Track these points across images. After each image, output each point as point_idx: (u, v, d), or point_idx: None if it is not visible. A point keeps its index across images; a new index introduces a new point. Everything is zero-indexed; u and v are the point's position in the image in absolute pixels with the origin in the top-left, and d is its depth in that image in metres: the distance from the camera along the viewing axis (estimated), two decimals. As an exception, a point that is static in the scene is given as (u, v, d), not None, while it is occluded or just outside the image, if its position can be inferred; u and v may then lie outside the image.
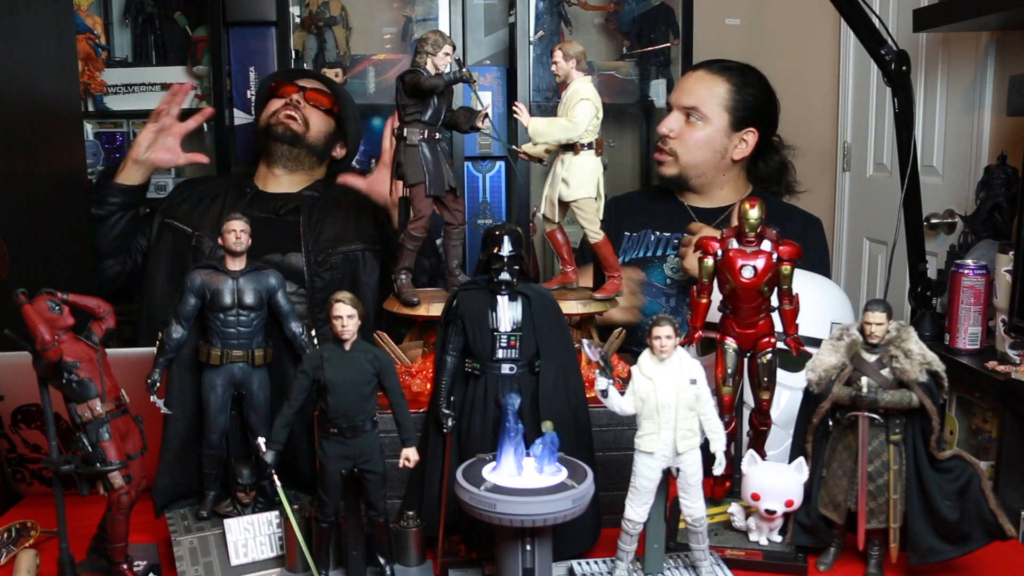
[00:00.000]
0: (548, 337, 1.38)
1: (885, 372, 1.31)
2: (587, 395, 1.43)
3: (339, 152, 2.51)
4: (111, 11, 3.15)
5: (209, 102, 3.01)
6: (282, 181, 2.40)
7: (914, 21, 2.49)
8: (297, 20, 3.04)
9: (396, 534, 1.34)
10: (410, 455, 1.27)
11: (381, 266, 2.30)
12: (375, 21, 3.23)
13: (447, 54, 1.55)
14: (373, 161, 3.25)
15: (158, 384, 1.37)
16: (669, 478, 1.29)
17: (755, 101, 2.27)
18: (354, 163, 3.27)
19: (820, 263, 2.27)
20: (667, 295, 2.27)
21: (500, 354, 1.34)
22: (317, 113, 2.39)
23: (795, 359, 1.57)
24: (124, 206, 2.33)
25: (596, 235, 1.64)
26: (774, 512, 1.38)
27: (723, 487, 1.53)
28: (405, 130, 1.58)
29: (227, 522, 1.37)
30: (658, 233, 2.33)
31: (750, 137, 2.27)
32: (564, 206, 1.65)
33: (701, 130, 2.25)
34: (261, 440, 1.29)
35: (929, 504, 1.33)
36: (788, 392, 1.68)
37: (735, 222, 1.44)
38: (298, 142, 2.36)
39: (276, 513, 1.38)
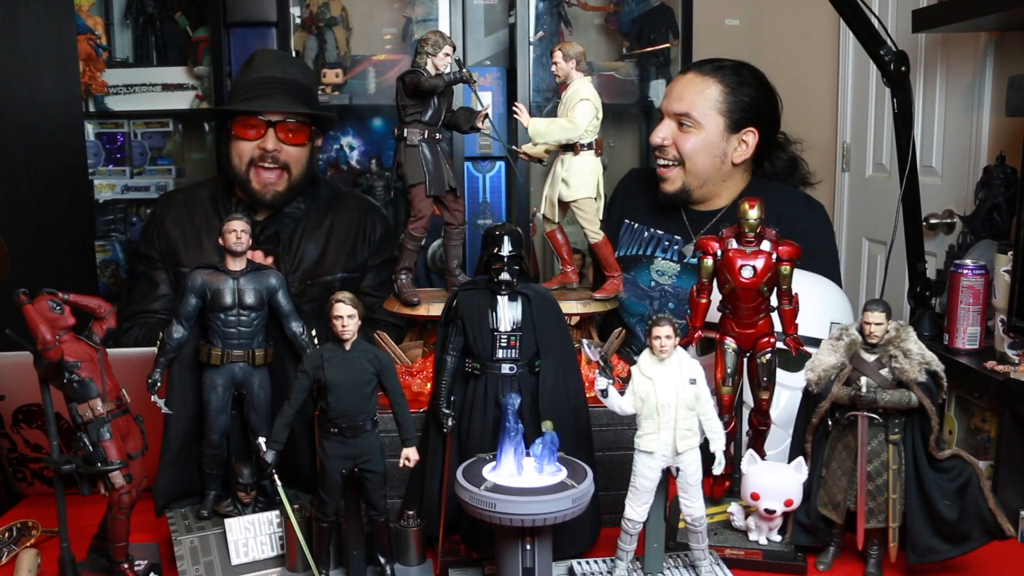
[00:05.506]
0: (548, 337, 1.38)
1: (884, 372, 1.32)
2: (587, 395, 1.43)
3: (318, 143, 2.37)
4: (112, 12, 3.16)
5: (210, 102, 3.02)
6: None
7: (913, 22, 2.49)
8: (297, 21, 3.05)
9: (396, 534, 1.34)
10: (410, 455, 1.28)
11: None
12: (375, 22, 3.24)
13: (447, 54, 1.55)
14: (373, 161, 3.26)
15: (159, 384, 1.37)
16: (669, 478, 1.29)
17: (752, 100, 2.13)
18: (354, 163, 3.27)
19: (827, 247, 2.18)
20: (651, 297, 2.20)
21: (500, 354, 1.35)
22: (295, 150, 2.21)
23: (795, 359, 1.57)
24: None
25: (596, 235, 1.65)
26: (773, 512, 1.38)
27: (723, 487, 1.53)
28: (405, 130, 1.58)
29: (228, 522, 1.37)
30: (652, 230, 2.24)
31: (750, 138, 2.13)
32: (564, 206, 1.65)
33: (695, 136, 2.10)
34: (262, 440, 1.29)
35: (928, 504, 1.33)
36: (788, 392, 1.68)
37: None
38: (282, 198, 2.23)
39: (277, 512, 1.38)
